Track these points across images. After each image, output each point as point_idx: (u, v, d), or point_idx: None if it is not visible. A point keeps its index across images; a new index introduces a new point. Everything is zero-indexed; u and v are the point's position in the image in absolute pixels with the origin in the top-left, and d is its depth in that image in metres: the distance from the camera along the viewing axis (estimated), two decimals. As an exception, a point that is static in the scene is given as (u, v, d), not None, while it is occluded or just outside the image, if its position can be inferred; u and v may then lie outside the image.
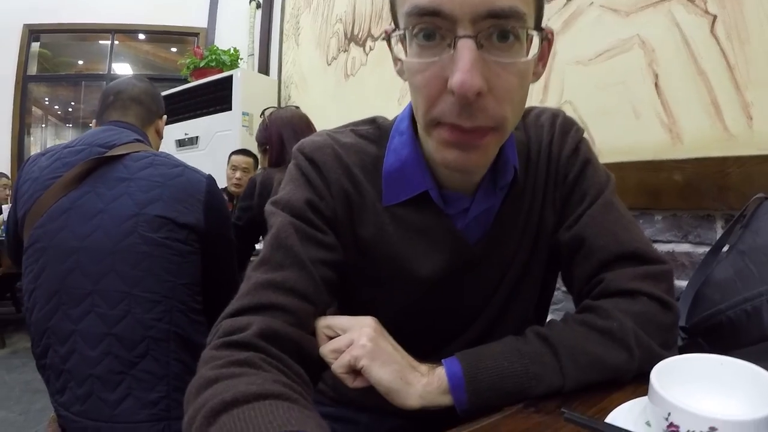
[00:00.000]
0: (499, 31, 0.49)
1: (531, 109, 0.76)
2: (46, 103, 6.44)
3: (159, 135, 1.43)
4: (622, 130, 1.45)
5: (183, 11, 4.76)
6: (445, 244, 0.67)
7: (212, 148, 3.55)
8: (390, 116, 0.73)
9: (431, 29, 0.50)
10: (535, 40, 0.54)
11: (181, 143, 3.84)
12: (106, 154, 1.13)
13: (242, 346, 0.51)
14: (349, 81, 2.92)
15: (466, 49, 0.48)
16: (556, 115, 0.74)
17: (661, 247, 1.32)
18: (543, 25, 0.57)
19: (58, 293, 1.04)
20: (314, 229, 0.63)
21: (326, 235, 0.64)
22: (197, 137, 3.73)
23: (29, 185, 1.15)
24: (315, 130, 1.78)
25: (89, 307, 1.02)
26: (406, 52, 0.54)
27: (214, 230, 1.17)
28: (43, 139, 6.36)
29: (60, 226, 1.07)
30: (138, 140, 1.23)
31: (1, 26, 4.94)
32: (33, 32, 5.06)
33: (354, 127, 0.72)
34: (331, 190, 0.65)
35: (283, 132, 1.90)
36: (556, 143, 0.71)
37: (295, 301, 0.57)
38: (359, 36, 2.85)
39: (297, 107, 2.62)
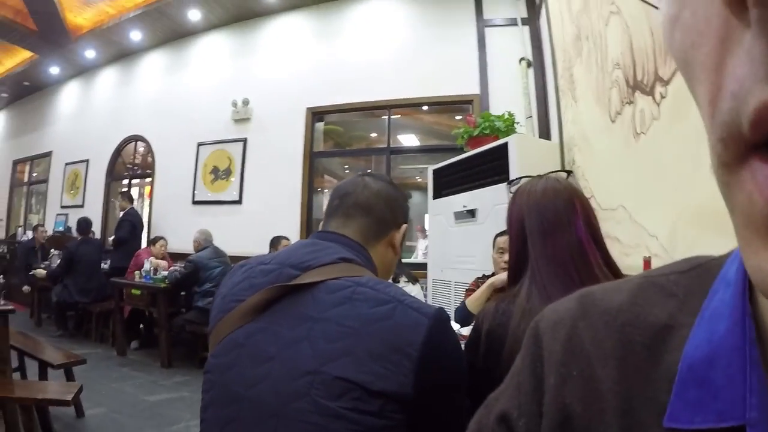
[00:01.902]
0: None
1: None
2: (346, 170, 7.92)
3: (395, 250, 1.23)
4: None
5: (454, 80, 5.26)
6: None
7: (491, 223, 3.50)
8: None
9: None
10: None
11: (458, 216, 4.01)
12: (295, 281, 1.00)
13: None
14: (640, 141, 2.51)
15: None
16: None
17: None
18: None
19: None
20: None
21: None
22: (475, 210, 3.82)
23: (218, 302, 1.12)
24: (579, 220, 1.24)
25: None
26: None
27: (431, 398, 0.90)
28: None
29: (229, 363, 1.00)
30: (344, 259, 1.06)
31: (290, 110, 6.51)
32: (315, 114, 6.41)
33: (652, 274, 0.48)
34: (544, 401, 0.47)
35: (525, 218, 1.26)
36: None
37: None
38: (644, 81, 2.39)
39: (569, 172, 2.37)
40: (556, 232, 1.21)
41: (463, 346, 1.88)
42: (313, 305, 0.96)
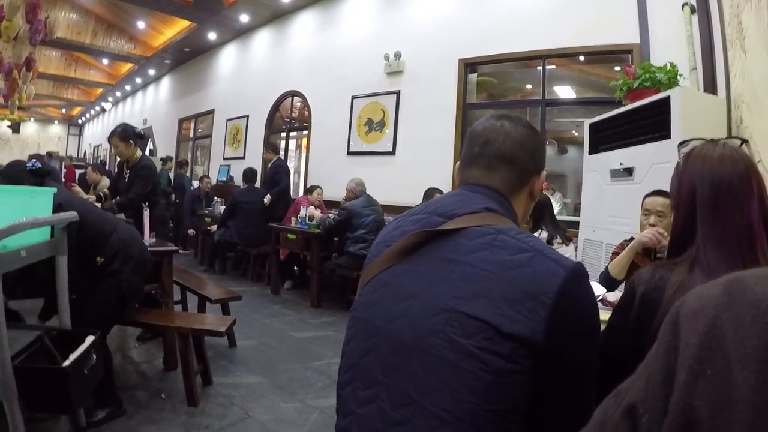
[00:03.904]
0: None
1: None
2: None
3: (533, 197, 1.27)
4: None
5: (612, 28, 5.08)
6: None
7: (649, 183, 3.32)
8: None
9: None
10: None
11: (614, 174, 3.94)
12: (440, 227, 1.10)
13: None
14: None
15: None
16: None
17: None
18: None
19: (354, 368, 1.09)
20: None
21: None
22: (633, 168, 3.70)
23: (372, 248, 1.25)
24: (754, 199, 1.16)
25: (374, 396, 1.02)
26: None
27: (560, 349, 0.92)
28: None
29: (374, 300, 1.11)
30: (489, 209, 1.12)
31: (443, 62, 6.69)
32: (468, 65, 6.55)
33: None
34: (671, 399, 0.46)
35: (697, 186, 1.20)
36: None
37: None
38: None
39: (744, 141, 2.22)
40: (728, 209, 1.15)
41: (602, 312, 2.03)
42: (455, 249, 1.04)
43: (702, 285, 0.52)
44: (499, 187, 1.19)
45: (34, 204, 2.38)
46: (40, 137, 25.89)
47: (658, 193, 2.80)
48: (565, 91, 6.33)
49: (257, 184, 8.39)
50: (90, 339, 2.36)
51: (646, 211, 2.80)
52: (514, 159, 1.20)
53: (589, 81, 6.20)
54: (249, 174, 8.13)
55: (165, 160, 11.16)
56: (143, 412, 3.16)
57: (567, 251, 3.82)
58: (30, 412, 2.09)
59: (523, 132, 1.22)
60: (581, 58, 5.79)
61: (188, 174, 12.32)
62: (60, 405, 2.18)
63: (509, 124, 1.23)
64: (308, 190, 7.50)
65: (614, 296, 2.42)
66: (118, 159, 4.78)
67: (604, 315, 1.99)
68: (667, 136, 3.33)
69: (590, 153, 4.43)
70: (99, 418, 2.91)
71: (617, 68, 5.29)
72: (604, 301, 2.35)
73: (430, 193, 5.48)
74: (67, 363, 2.11)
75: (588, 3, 5.38)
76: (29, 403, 2.06)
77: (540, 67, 5.92)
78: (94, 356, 2.35)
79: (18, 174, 2.83)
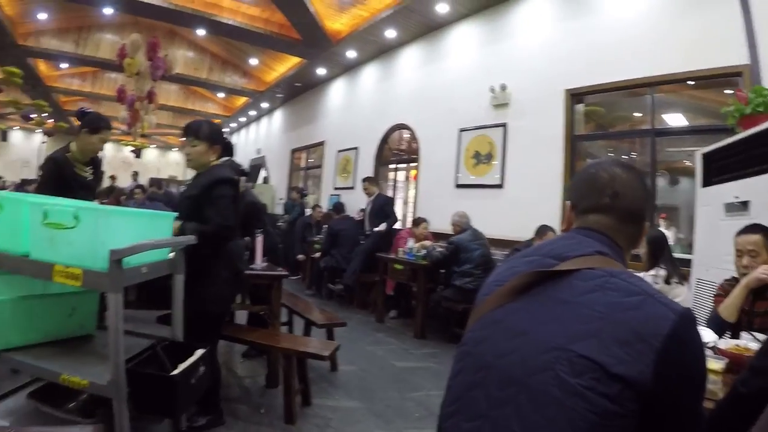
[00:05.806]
0: None
1: None
2: (610, 155, 7.25)
3: (636, 245, 1.32)
4: None
5: (720, 50, 4.92)
6: None
7: (767, 217, 3.01)
8: None
9: None
10: None
11: (729, 208, 3.74)
12: (554, 268, 1.14)
13: None
14: None
15: None
16: None
17: None
18: None
19: (460, 401, 1.13)
20: None
21: None
22: (749, 202, 3.48)
23: (483, 287, 1.30)
24: None
25: (477, 429, 1.05)
26: None
27: (666, 393, 0.94)
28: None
29: (485, 336, 1.16)
30: (600, 252, 1.17)
31: (548, 93, 6.76)
32: (574, 96, 6.57)
33: None
34: None
35: None
36: None
37: None
38: None
39: None
40: None
41: (710, 361, 1.95)
42: (568, 290, 1.08)
43: None
44: (615, 238, 1.23)
45: (156, 226, 2.60)
46: (159, 162, 28.42)
47: (750, 229, 2.69)
48: (675, 119, 6.12)
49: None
50: (200, 352, 2.55)
51: (738, 252, 2.69)
52: (641, 216, 1.26)
53: (700, 107, 5.99)
54: (339, 206, 9.30)
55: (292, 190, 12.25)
56: (241, 424, 3.44)
57: (682, 291, 3.75)
58: (136, 412, 2.25)
59: (644, 188, 1.29)
60: (689, 83, 5.59)
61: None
62: (165, 409, 2.38)
63: (635, 180, 1.27)
64: (415, 222, 7.86)
65: (725, 344, 2.28)
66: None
67: (712, 364, 2.05)
68: (786, 166, 3.17)
69: (704, 185, 4.26)
70: (199, 425, 3.20)
71: (728, 92, 5.12)
72: (715, 349, 2.23)
73: (542, 230, 5.55)
74: (176, 372, 2.31)
75: (693, 26, 5.26)
76: (137, 404, 2.25)
77: (648, 95, 5.84)
78: (202, 368, 2.54)
79: (218, 135, 3.25)
